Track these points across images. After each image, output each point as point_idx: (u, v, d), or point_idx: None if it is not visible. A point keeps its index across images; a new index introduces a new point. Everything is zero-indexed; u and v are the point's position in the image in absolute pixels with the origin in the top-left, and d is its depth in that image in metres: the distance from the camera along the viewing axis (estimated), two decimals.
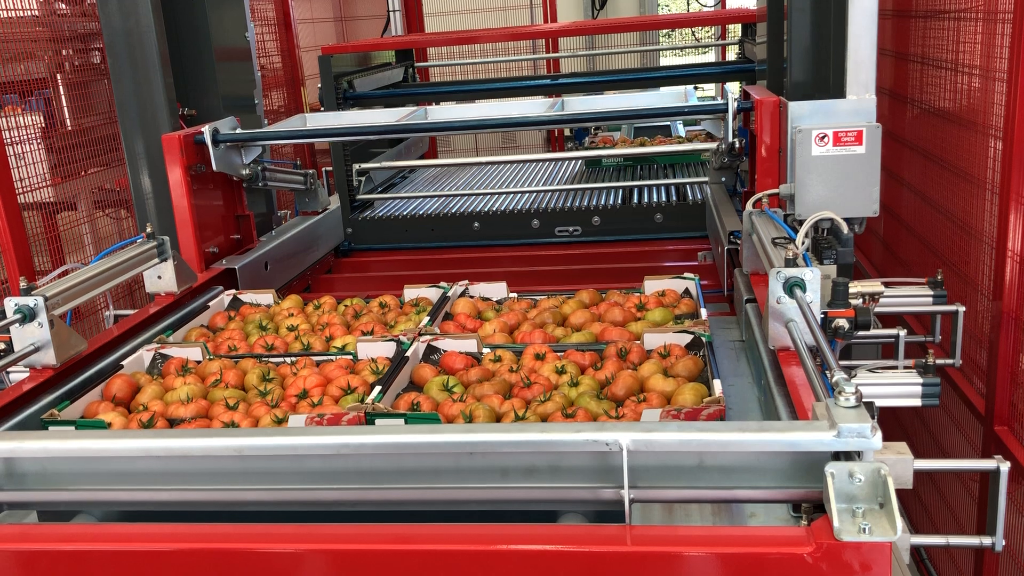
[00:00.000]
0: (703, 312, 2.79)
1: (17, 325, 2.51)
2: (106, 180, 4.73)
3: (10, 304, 2.51)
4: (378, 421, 2.24)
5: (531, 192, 5.04)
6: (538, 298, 3.17)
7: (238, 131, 3.53)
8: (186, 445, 1.73)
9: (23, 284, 2.53)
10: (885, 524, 1.47)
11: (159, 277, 3.18)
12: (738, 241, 3.19)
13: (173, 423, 2.45)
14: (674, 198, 4.73)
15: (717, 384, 2.25)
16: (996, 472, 1.77)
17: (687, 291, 3.11)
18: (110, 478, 1.81)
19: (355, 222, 4.80)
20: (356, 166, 4.91)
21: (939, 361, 2.90)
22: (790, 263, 2.20)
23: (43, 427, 2.36)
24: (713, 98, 12.19)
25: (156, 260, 3.12)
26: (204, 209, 3.56)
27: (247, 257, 3.66)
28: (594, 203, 4.76)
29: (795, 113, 2.86)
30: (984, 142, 3.06)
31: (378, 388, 2.39)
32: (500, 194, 5.10)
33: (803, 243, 2.43)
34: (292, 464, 1.74)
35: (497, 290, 3.25)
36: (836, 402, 1.60)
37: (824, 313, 2.23)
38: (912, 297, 2.82)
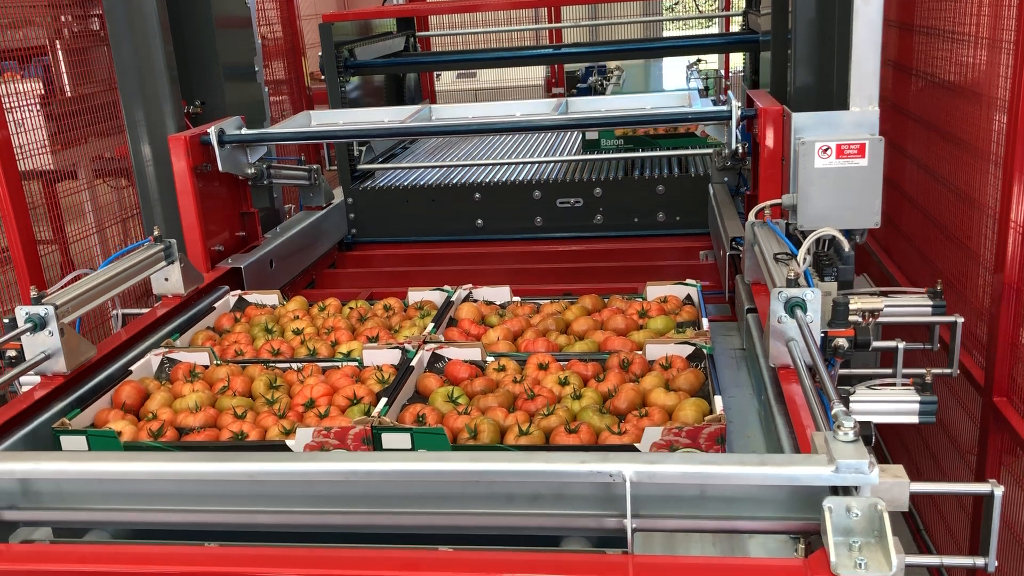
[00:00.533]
0: (705, 322, 2.82)
1: (28, 334, 2.54)
2: (106, 148, 4.68)
3: (21, 313, 2.54)
4: (384, 435, 2.28)
5: (533, 163, 4.95)
6: (541, 302, 3.20)
7: (244, 131, 3.55)
8: (198, 469, 1.77)
9: (33, 293, 2.56)
10: (881, 559, 1.51)
11: (166, 279, 3.21)
12: (740, 247, 3.22)
13: (182, 432, 2.49)
14: (676, 171, 4.70)
15: (718, 400, 2.28)
16: (991, 496, 1.81)
17: (689, 297, 3.14)
18: (123, 498, 1.85)
19: (356, 192, 4.75)
20: None
21: (936, 371, 2.94)
22: (792, 283, 2.23)
23: (54, 436, 2.40)
24: (716, 70, 12.13)
25: (163, 263, 3.15)
26: (210, 208, 3.58)
27: (252, 256, 3.69)
28: (596, 176, 4.71)
29: (798, 124, 2.88)
30: (989, 115, 3.05)
31: (384, 400, 2.43)
32: (501, 165, 5.02)
33: (804, 260, 2.46)
34: (302, 488, 1.78)
35: (500, 294, 3.28)
36: (835, 436, 1.63)
37: (824, 333, 2.26)
38: (912, 307, 2.85)
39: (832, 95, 3.18)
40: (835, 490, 1.61)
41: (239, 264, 3.58)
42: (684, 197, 4.50)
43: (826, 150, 2.79)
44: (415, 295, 3.33)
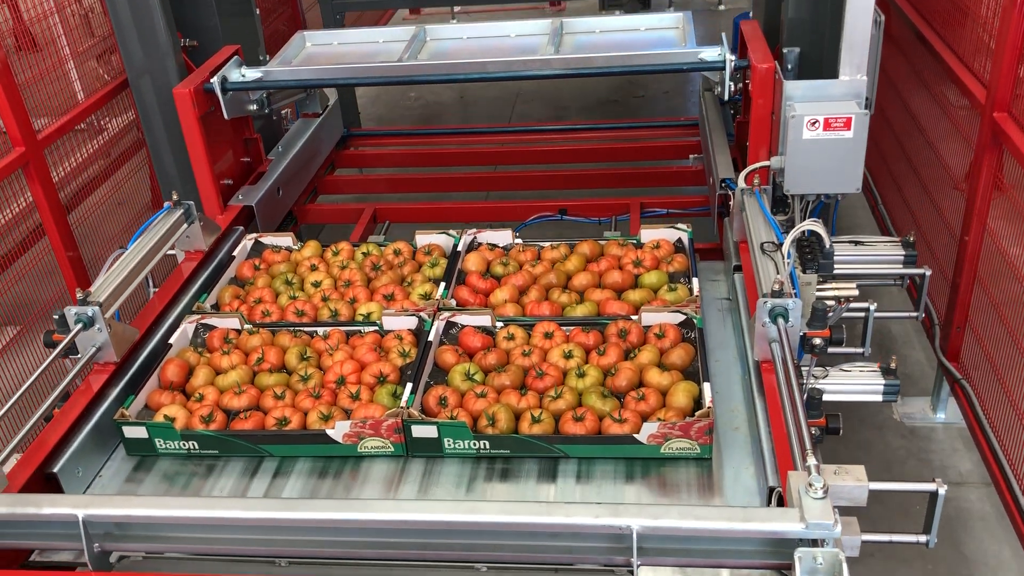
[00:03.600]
0: (695, 283, 3.06)
1: (80, 332, 2.77)
2: None
3: (71, 313, 2.75)
4: (414, 427, 2.59)
5: None
6: (542, 246, 3.42)
7: (245, 73, 3.59)
8: (270, 516, 2.10)
9: (79, 294, 2.76)
10: None
11: (187, 237, 3.39)
12: (730, 191, 3.39)
13: (229, 415, 2.78)
14: None
15: (707, 389, 2.58)
16: (935, 495, 2.16)
17: (680, 242, 3.36)
18: (202, 529, 2.18)
19: None
20: None
21: (902, 314, 3.25)
22: (776, 294, 2.47)
23: (116, 428, 2.70)
24: None
25: (185, 225, 3.32)
26: (217, 147, 3.69)
27: (261, 188, 3.83)
28: None
29: (789, 92, 2.99)
30: None
31: (409, 386, 2.70)
32: None
33: (788, 255, 2.67)
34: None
35: (503, 237, 3.49)
36: (807, 491, 1.95)
37: (803, 333, 2.53)
38: (884, 255, 3.11)
39: (825, 30, 3.25)
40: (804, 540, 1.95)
41: (250, 202, 3.75)
42: None
43: (814, 123, 2.93)
44: (422, 239, 3.53)
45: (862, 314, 2.96)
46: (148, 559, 2.30)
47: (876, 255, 3.11)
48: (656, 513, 1.99)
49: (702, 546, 2.02)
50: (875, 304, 2.94)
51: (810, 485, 1.95)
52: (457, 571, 2.18)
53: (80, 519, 2.13)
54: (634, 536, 1.97)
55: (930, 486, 2.16)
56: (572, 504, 2.22)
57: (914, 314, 3.14)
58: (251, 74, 3.58)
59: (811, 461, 2.01)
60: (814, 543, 1.94)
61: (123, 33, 3.84)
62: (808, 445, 2.07)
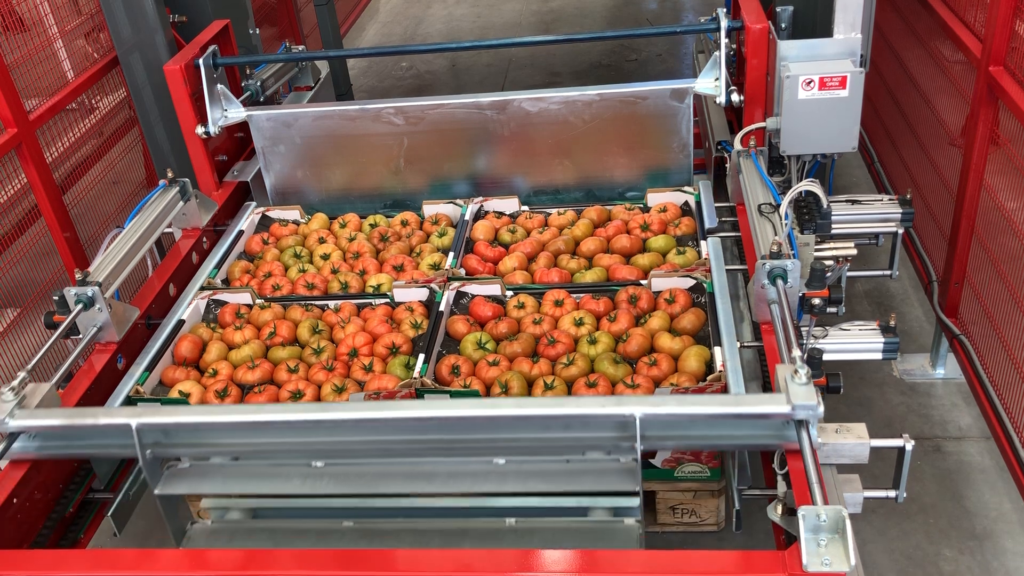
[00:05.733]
0: (703, 246, 3.09)
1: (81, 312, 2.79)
2: None
3: (70, 294, 2.77)
4: (427, 396, 2.64)
5: None
6: (549, 212, 3.47)
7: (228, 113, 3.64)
8: (307, 417, 2.21)
9: (79, 275, 2.79)
10: (842, 557, 1.94)
11: (184, 214, 3.42)
12: (726, 153, 3.43)
13: (243, 388, 2.84)
14: None
15: (718, 354, 2.61)
16: (903, 450, 2.20)
17: (687, 204, 3.40)
18: (243, 432, 2.27)
19: None
20: None
21: (876, 273, 3.26)
22: (775, 256, 2.52)
23: (131, 403, 2.73)
24: None
25: (181, 203, 3.36)
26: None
27: (255, 165, 3.83)
28: None
29: (783, 52, 3.01)
30: None
31: (421, 357, 2.76)
32: None
33: (786, 216, 2.71)
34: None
35: (510, 205, 3.53)
36: (792, 379, 2.05)
37: (802, 294, 2.58)
38: (881, 214, 3.15)
39: None
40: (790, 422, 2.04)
41: (245, 177, 3.79)
42: None
43: (809, 83, 2.95)
44: (429, 208, 3.57)
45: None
46: (195, 465, 2.38)
47: (873, 214, 3.15)
48: (656, 402, 2.11)
49: (699, 430, 2.12)
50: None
51: (795, 372, 2.06)
52: (487, 520, 2.31)
53: (134, 427, 2.20)
54: (637, 423, 2.06)
55: (897, 442, 2.19)
56: (581, 397, 2.39)
57: (888, 272, 3.16)
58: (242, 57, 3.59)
59: (796, 353, 2.10)
60: (799, 424, 2.03)
61: (111, 10, 3.82)
62: (794, 341, 2.18)
